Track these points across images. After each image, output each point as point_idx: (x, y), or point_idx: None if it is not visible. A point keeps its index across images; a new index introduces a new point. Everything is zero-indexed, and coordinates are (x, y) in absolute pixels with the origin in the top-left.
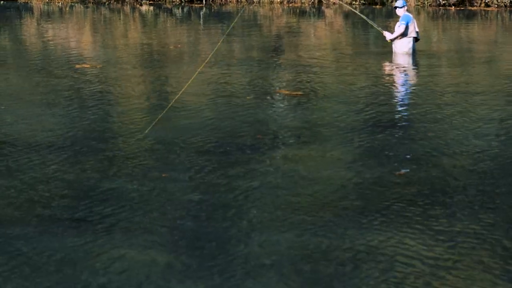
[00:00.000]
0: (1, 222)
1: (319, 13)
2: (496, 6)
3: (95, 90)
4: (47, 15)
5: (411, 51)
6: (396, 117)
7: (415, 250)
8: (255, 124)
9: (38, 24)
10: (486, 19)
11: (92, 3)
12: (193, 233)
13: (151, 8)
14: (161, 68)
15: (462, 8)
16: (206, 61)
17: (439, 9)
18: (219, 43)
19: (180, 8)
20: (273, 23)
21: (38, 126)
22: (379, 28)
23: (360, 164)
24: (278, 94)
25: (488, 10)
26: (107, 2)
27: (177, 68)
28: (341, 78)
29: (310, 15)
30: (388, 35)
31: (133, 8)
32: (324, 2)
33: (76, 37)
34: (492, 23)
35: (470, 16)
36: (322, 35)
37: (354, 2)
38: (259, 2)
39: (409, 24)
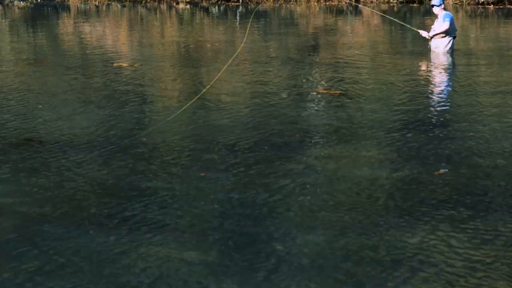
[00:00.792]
0: (35, 220)
1: (356, 12)
2: None
3: (132, 89)
4: (83, 14)
5: (450, 50)
6: (435, 116)
7: (455, 250)
8: (292, 123)
9: (75, 22)
10: None
11: (129, 1)
12: (230, 233)
13: (188, 6)
14: (198, 67)
15: (501, 7)
16: (233, 57)
17: (478, 8)
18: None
19: (216, 7)
20: (309, 22)
21: (74, 125)
22: (414, 28)
23: (399, 164)
24: (315, 93)
25: None
26: (144, 1)
27: (214, 66)
28: (379, 77)
29: (347, 14)
30: (424, 33)
31: (170, 7)
32: (361, 0)
33: (113, 36)
34: None
35: (509, 14)
36: (360, 34)
37: (391, 1)
38: (296, 1)
39: (452, 21)
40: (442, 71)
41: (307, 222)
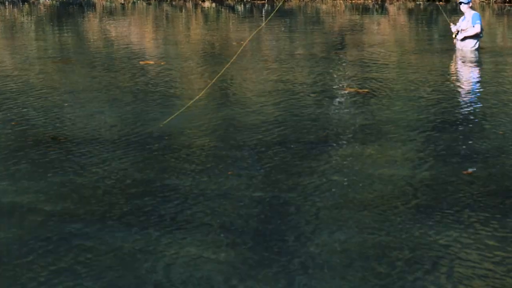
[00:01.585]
0: (61, 217)
1: (383, 10)
2: None
3: (158, 87)
4: (109, 12)
5: (477, 49)
6: (463, 114)
7: (482, 250)
8: (319, 122)
9: (101, 20)
10: None
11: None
12: (255, 231)
13: (213, 4)
14: (224, 65)
15: None
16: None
17: (505, 6)
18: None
19: (242, 5)
20: (335, 20)
21: (100, 122)
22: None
23: (426, 162)
24: (342, 91)
25: None
26: None
27: (241, 65)
28: (406, 75)
29: (373, 12)
30: (454, 28)
31: (195, 5)
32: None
33: (139, 34)
34: None
35: None
36: (386, 32)
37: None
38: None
39: (481, 22)
40: (470, 69)
41: (333, 221)
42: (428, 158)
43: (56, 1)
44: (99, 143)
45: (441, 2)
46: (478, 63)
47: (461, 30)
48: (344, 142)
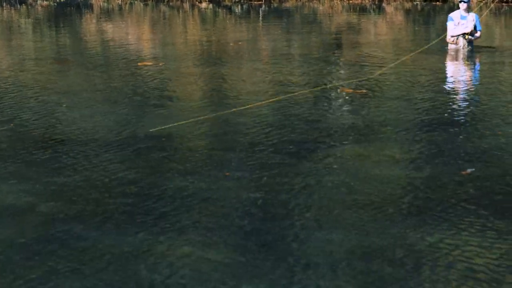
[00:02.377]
0: (58, 219)
1: (380, 10)
2: None
3: (157, 88)
4: (107, 13)
5: (472, 48)
6: (460, 115)
7: (477, 251)
8: (316, 122)
9: (98, 21)
10: None
11: (152, 0)
12: (248, 232)
13: (211, 5)
14: (222, 66)
15: None
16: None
17: (502, 6)
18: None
19: (239, 6)
20: (332, 20)
21: (98, 124)
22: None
23: (424, 163)
24: (339, 92)
25: None
26: (167, 0)
27: (238, 65)
28: (403, 76)
29: (370, 12)
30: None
31: (193, 5)
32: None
33: (136, 35)
34: None
35: None
36: (383, 32)
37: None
38: (319, 0)
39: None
40: (466, 69)
41: (328, 222)
42: (425, 158)
43: (54, 2)
44: (95, 145)
45: (438, 3)
46: (475, 62)
47: (470, 32)
48: (340, 143)
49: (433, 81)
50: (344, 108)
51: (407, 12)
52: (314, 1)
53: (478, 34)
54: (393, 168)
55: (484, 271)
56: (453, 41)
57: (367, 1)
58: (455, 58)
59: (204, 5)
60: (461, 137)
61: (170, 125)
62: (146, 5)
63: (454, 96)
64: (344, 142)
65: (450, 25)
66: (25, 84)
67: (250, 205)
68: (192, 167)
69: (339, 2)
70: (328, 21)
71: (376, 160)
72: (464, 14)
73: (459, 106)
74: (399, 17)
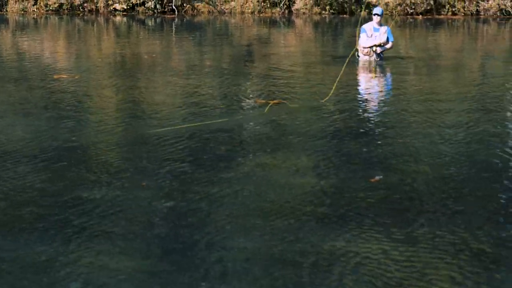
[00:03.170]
0: None
1: (289, 23)
2: (463, 14)
3: (72, 100)
4: (22, 26)
5: (381, 59)
6: (366, 124)
7: (385, 255)
8: (227, 133)
9: (14, 35)
10: (453, 27)
11: (67, 14)
12: (162, 240)
13: (125, 18)
14: (136, 78)
15: (430, 17)
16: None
17: (407, 18)
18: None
19: (153, 19)
20: (244, 33)
21: (13, 136)
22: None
23: (332, 171)
24: (250, 103)
25: (455, 19)
26: (81, 14)
27: (152, 77)
28: (311, 87)
29: (280, 25)
30: (373, 41)
31: (107, 19)
32: (294, 12)
33: (52, 48)
34: (459, 31)
35: (438, 24)
36: (293, 44)
37: (323, 12)
38: (230, 13)
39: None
40: (373, 79)
41: (241, 229)
42: (333, 166)
43: None
44: (11, 157)
45: (346, 15)
46: (381, 72)
47: (381, 43)
48: (253, 153)
49: (339, 91)
50: (255, 120)
51: (316, 24)
52: (226, 15)
53: (389, 45)
54: (303, 177)
55: (391, 274)
56: (366, 52)
57: (277, 14)
58: (366, 69)
59: (118, 18)
60: (365, 146)
61: (84, 136)
62: (61, 19)
63: (360, 106)
64: (258, 153)
65: (363, 36)
66: None
67: (165, 214)
68: (108, 178)
69: (250, 16)
70: (240, 34)
71: (289, 169)
72: (377, 26)
73: (365, 115)
74: (308, 29)
